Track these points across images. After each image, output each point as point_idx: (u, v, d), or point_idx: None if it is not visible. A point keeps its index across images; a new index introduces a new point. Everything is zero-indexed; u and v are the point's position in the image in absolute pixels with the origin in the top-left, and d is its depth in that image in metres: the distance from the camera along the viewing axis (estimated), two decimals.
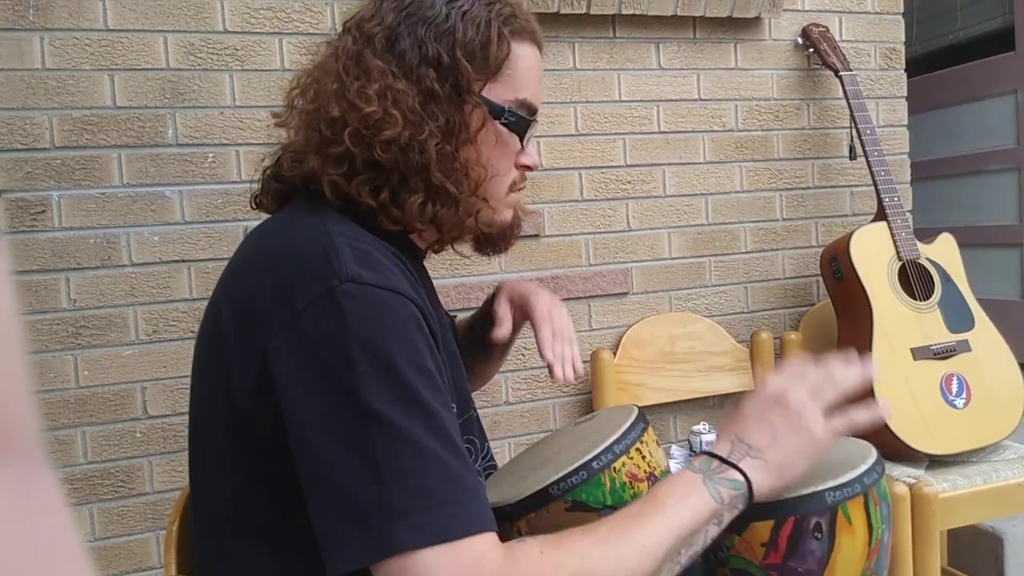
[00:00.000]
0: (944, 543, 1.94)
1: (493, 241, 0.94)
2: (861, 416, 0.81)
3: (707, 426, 1.62)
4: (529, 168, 0.89)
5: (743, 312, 1.94)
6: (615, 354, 1.76)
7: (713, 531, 0.75)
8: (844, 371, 0.82)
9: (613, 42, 1.83)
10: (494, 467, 1.00)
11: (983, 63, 2.77)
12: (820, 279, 1.86)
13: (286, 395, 0.66)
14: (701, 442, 1.57)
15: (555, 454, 0.92)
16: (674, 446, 1.71)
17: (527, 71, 0.84)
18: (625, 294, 1.84)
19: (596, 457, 0.85)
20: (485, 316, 1.12)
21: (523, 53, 0.84)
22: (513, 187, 0.88)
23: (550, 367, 1.02)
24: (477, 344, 1.14)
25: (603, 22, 1.81)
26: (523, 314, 1.07)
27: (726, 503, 0.75)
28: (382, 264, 0.71)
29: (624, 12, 1.79)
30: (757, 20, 1.94)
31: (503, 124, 0.83)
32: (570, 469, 0.84)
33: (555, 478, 0.83)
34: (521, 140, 0.86)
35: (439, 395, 0.68)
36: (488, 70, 0.81)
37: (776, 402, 0.80)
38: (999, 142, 2.72)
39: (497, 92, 0.82)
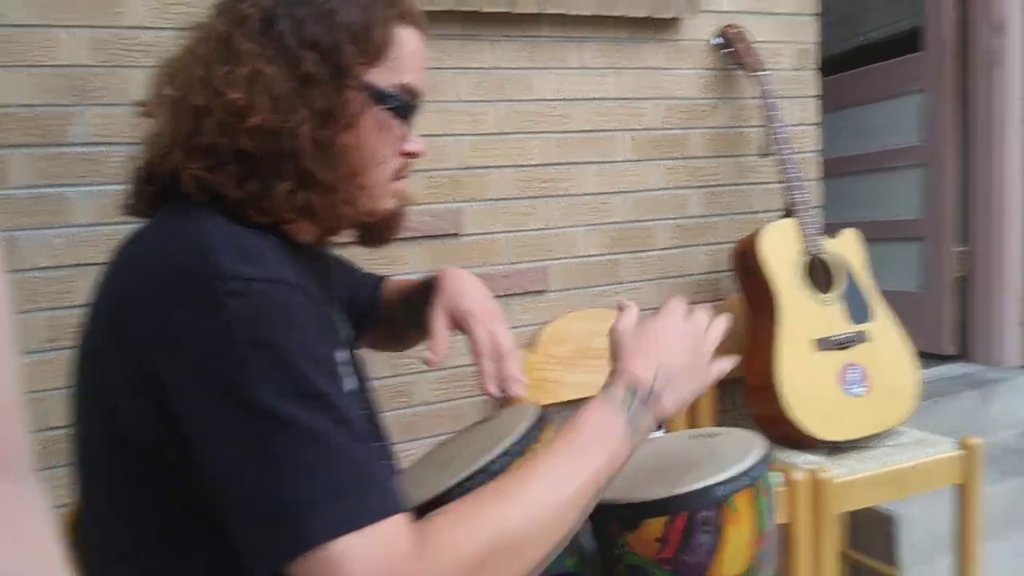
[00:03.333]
0: (843, 526, 2.04)
1: (376, 231, 0.93)
2: (726, 365, 0.90)
3: None
4: (413, 155, 0.88)
5: (658, 307, 1.99)
6: (533, 351, 1.79)
7: (625, 465, 0.78)
8: (716, 326, 0.90)
9: (535, 40, 1.85)
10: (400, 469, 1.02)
11: (892, 63, 2.89)
12: (733, 274, 1.92)
13: (179, 405, 0.66)
14: None
15: (453, 458, 0.94)
16: None
17: (411, 55, 0.83)
18: (543, 292, 1.87)
19: (494, 460, 0.87)
20: (418, 309, 1.10)
21: (407, 37, 0.83)
22: (397, 174, 0.88)
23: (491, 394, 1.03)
24: (408, 315, 1.13)
25: (525, 20, 1.83)
26: (460, 329, 1.06)
27: (641, 440, 0.78)
28: (263, 255, 0.70)
29: (546, 11, 1.81)
30: (675, 20, 1.99)
31: (386, 109, 0.82)
32: (468, 473, 0.86)
33: (453, 482, 0.85)
34: (405, 126, 0.85)
35: (335, 382, 0.68)
36: (370, 53, 0.79)
37: (695, 337, 0.86)
38: (906, 139, 2.85)
39: (380, 76, 0.80)
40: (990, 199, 2.64)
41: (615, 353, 0.86)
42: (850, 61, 3.09)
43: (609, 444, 0.75)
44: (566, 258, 1.90)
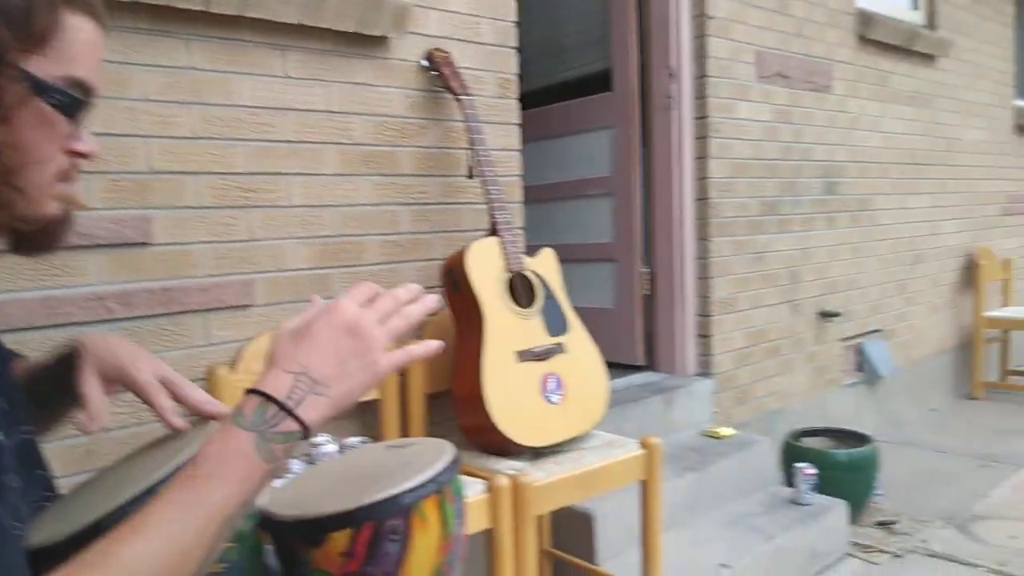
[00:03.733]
0: (547, 527, 2.15)
1: (35, 239, 0.80)
2: (419, 350, 0.81)
3: (328, 437, 1.61)
4: (83, 155, 0.78)
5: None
6: (234, 370, 1.68)
7: (268, 483, 0.72)
8: (411, 302, 0.81)
9: (235, 44, 1.75)
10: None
11: (586, 101, 3.17)
12: (442, 289, 1.96)
13: None
14: (321, 454, 1.56)
15: (124, 478, 0.84)
16: (294, 462, 1.67)
17: (83, 46, 0.75)
18: (248, 306, 1.77)
19: (164, 479, 0.79)
20: (59, 383, 0.94)
21: (79, 26, 0.74)
22: (63, 176, 0.77)
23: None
24: (45, 400, 0.96)
25: (224, 22, 1.73)
26: (118, 384, 0.93)
27: (280, 457, 0.71)
28: None
29: (246, 15, 1.73)
30: (383, 39, 2.00)
31: (50, 103, 0.73)
32: (134, 494, 0.76)
33: (114, 506, 0.75)
34: (73, 123, 0.76)
35: None
36: (31, 39, 0.70)
37: (350, 331, 0.75)
38: (599, 170, 3.12)
39: (43, 67, 0.72)
40: (669, 225, 2.97)
41: (265, 362, 0.77)
42: (554, 95, 3.34)
43: (236, 472, 0.69)
44: (273, 271, 1.81)
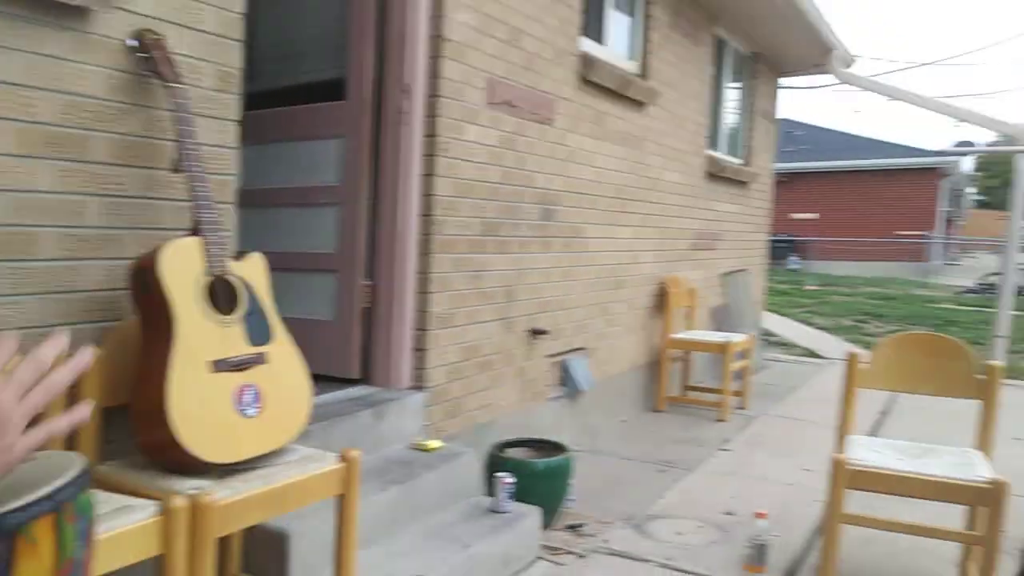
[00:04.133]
0: (236, 549, 2.05)
1: None
2: (61, 424, 0.77)
3: None
4: None
5: (37, 327, 1.75)
6: None
7: None
8: (58, 373, 0.76)
9: None
10: None
11: (319, 107, 3.10)
12: (130, 292, 1.80)
13: None
14: None
15: None
16: None
17: None
18: None
19: None
20: None
21: None
22: None
23: None
24: None
25: None
26: None
27: None
28: None
29: None
30: (84, 10, 1.81)
31: None
32: None
33: None
34: None
35: None
36: None
37: None
38: (327, 179, 3.07)
39: None
40: (393, 239, 3.00)
41: None
42: (287, 97, 3.22)
43: None
44: None
